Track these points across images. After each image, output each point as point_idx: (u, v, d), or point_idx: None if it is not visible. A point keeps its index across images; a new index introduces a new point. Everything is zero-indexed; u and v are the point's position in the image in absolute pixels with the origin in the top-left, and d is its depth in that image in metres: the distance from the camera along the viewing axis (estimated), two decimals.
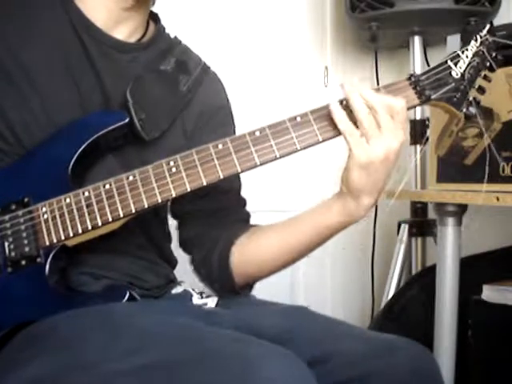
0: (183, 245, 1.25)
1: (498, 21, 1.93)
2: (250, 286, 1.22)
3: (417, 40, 2.11)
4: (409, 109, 1.07)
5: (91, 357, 0.91)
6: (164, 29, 1.25)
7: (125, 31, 1.17)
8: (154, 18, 1.24)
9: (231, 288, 1.19)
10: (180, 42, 1.26)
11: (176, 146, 1.14)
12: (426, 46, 2.15)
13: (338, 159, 2.31)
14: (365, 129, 1.02)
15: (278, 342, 1.01)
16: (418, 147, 2.08)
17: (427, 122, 1.81)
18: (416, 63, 2.12)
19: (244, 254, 1.17)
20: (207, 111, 1.22)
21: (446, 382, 1.09)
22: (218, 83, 1.28)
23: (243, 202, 1.28)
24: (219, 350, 0.87)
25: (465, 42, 1.08)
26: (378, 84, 2.39)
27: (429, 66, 2.24)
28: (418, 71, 2.09)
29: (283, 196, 2.29)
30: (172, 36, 1.26)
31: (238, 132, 1.28)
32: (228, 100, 1.29)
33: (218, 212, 1.22)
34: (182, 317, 1.00)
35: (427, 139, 1.92)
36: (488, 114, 1.41)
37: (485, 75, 1.09)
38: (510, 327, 1.60)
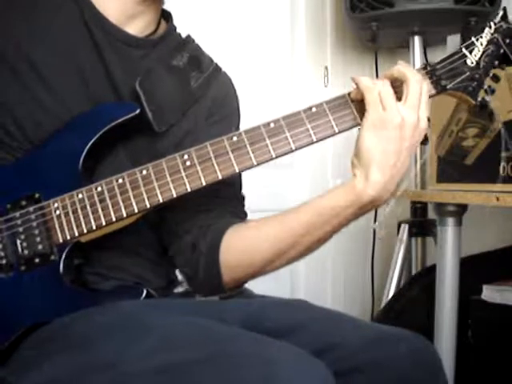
0: (164, 234, 1.15)
1: None
2: (237, 287, 1.15)
3: (417, 40, 2.11)
4: None
5: (109, 357, 0.90)
6: (175, 28, 1.24)
7: (137, 26, 1.16)
8: (165, 17, 1.23)
9: (218, 286, 1.10)
10: (193, 40, 1.24)
11: (183, 142, 1.13)
12: (426, 46, 2.15)
13: (336, 160, 2.33)
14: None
15: (282, 333, 1.00)
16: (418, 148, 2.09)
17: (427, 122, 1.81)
18: (416, 63, 2.12)
19: (240, 239, 1.09)
20: (215, 110, 1.20)
21: None
22: (229, 84, 1.26)
23: (242, 198, 1.22)
24: (238, 352, 0.86)
25: (465, 40, 1.07)
26: None
27: None
28: None
29: (282, 196, 2.29)
30: (184, 35, 1.24)
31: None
32: (238, 102, 1.26)
33: (212, 199, 1.13)
34: (195, 316, 0.99)
35: (427, 139, 1.92)
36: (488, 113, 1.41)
37: (498, 63, 1.06)
38: (510, 327, 1.61)
